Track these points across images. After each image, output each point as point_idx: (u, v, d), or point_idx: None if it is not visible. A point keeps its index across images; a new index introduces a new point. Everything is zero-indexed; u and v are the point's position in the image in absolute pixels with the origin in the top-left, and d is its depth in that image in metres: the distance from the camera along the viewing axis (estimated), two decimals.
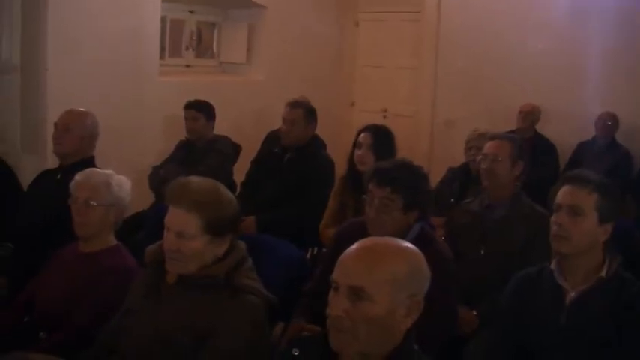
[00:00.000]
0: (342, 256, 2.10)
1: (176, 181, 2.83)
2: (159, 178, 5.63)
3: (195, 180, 2.81)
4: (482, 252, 4.04)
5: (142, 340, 2.73)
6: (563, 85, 7.91)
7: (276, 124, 5.83)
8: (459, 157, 6.01)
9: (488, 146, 4.27)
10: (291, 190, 5.21)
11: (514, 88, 8.09)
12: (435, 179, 6.15)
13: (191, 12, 8.06)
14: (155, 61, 7.10)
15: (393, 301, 2.03)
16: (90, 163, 4.19)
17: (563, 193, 2.96)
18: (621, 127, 7.49)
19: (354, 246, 2.12)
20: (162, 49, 7.56)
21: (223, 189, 2.85)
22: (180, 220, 2.70)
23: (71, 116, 4.41)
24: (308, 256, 5.07)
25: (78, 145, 4.32)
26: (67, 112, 4.46)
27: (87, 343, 2.94)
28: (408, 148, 7.87)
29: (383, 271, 2.04)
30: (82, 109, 4.49)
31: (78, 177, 3.42)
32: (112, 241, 3.41)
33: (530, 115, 7.71)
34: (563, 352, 2.84)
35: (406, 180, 3.36)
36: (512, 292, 3.08)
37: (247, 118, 7.82)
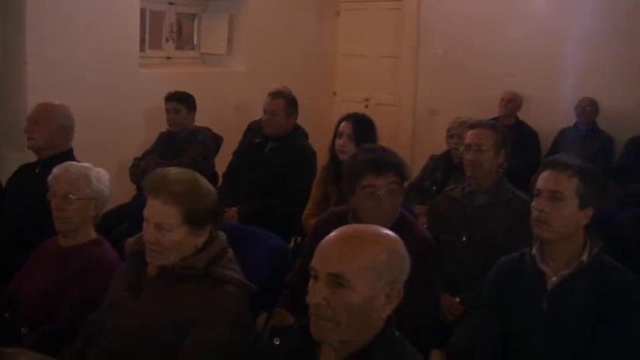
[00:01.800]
0: (320, 244, 2.10)
1: (154, 172, 2.81)
2: (140, 170, 5.61)
3: (173, 171, 2.79)
4: (464, 239, 4.04)
5: (125, 333, 2.72)
6: (544, 73, 7.93)
7: (258, 114, 5.82)
8: (441, 146, 6.01)
9: (471, 135, 4.21)
10: (273, 181, 5.21)
11: (496, 76, 8.10)
12: (417, 167, 6.19)
13: (171, 3, 8.00)
14: (135, 54, 7.05)
15: (373, 288, 2.03)
16: (68, 156, 4.17)
17: (543, 178, 2.96)
18: (603, 113, 7.52)
19: (332, 234, 2.11)
20: (143, 41, 7.50)
21: (202, 180, 2.83)
22: (158, 211, 2.68)
23: (40, 110, 4.39)
24: (291, 245, 5.08)
25: (49, 138, 4.29)
26: (37, 105, 4.44)
27: (70, 339, 2.92)
28: (390, 136, 7.89)
29: (362, 258, 2.03)
30: (54, 101, 4.45)
31: (55, 171, 3.39)
32: (93, 234, 3.38)
33: (512, 103, 7.73)
34: (546, 336, 2.85)
35: (399, 163, 3.36)
36: (494, 278, 3.09)
37: (228, 109, 7.79)
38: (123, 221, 4.95)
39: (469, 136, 4.23)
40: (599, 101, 7.48)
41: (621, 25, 7.46)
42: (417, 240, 3.25)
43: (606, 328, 2.74)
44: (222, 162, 5.88)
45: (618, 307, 2.76)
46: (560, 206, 2.88)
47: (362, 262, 2.02)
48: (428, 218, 4.39)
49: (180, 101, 6.03)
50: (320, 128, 7.34)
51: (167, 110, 6.06)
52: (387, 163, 3.30)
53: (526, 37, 7.98)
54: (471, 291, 3.83)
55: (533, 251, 2.98)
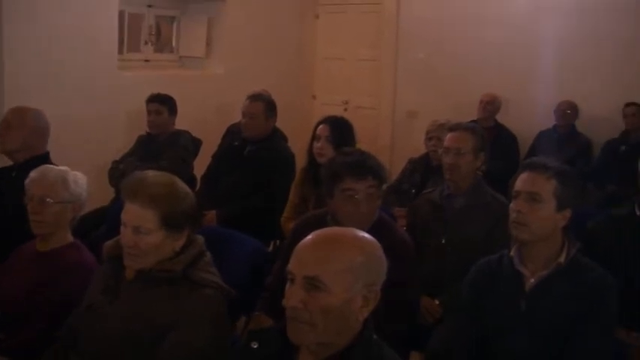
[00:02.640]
0: (297, 247, 2.09)
1: (131, 176, 2.81)
2: (119, 174, 5.58)
3: (150, 174, 2.78)
4: (443, 241, 4.04)
5: (102, 336, 2.70)
6: (522, 76, 7.99)
7: (237, 117, 5.81)
8: (420, 148, 6.01)
9: (450, 138, 4.19)
10: (252, 183, 5.21)
11: (475, 78, 8.15)
12: (396, 170, 6.19)
13: (149, 6, 7.97)
14: (114, 56, 7.02)
15: (350, 291, 2.02)
16: (45, 159, 4.14)
17: (522, 180, 2.97)
18: (581, 115, 7.59)
19: (309, 237, 2.11)
20: (121, 43, 7.47)
21: (179, 183, 2.83)
22: (136, 215, 2.67)
23: (13, 113, 4.38)
24: (270, 248, 5.08)
25: (22, 141, 4.27)
26: (10, 109, 4.43)
27: (48, 343, 2.90)
28: (370, 139, 7.93)
29: (338, 260, 2.02)
30: (28, 105, 4.43)
31: (32, 174, 3.37)
32: (70, 238, 3.36)
33: (491, 105, 7.78)
34: (524, 338, 2.85)
35: (378, 167, 3.37)
36: (472, 280, 3.09)
37: (207, 112, 7.76)
38: (100, 224, 4.92)
39: (448, 139, 4.21)
40: (578, 103, 7.53)
41: (599, 28, 7.52)
42: (395, 242, 3.27)
43: (583, 329, 2.75)
44: (201, 165, 5.86)
45: (595, 308, 2.77)
46: (538, 208, 2.89)
47: (338, 264, 2.02)
48: (407, 220, 4.39)
49: (163, 103, 6.00)
50: (300, 131, 7.33)
51: (148, 112, 6.02)
52: (367, 167, 3.31)
53: (504, 40, 8.04)
54: (450, 293, 3.82)
55: (512, 253, 2.99)
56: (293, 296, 2.02)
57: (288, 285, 2.06)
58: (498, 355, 2.94)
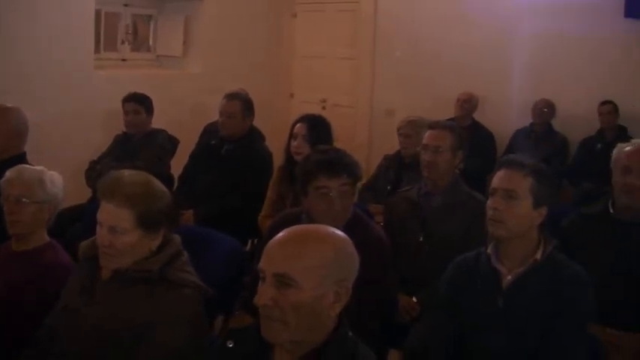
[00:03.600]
0: (267, 245, 2.09)
1: (107, 175, 2.79)
2: (96, 174, 5.55)
3: (126, 174, 2.78)
4: (421, 239, 4.04)
5: (79, 337, 2.69)
6: (499, 74, 8.03)
7: (214, 116, 5.81)
8: (397, 146, 6.03)
9: (429, 136, 4.18)
10: (230, 182, 5.20)
11: (452, 77, 8.18)
12: (374, 168, 6.21)
13: (126, 5, 7.96)
14: (90, 56, 7.01)
15: (320, 287, 2.02)
16: (21, 159, 4.12)
17: (498, 177, 2.99)
18: (558, 114, 7.63)
19: (279, 234, 2.11)
20: (98, 43, 7.46)
21: (156, 182, 2.82)
22: (112, 215, 2.67)
23: None
24: (248, 247, 5.08)
25: (2, 141, 4.24)
26: None
27: (25, 344, 2.88)
28: (348, 137, 7.95)
29: (307, 256, 2.03)
30: (7, 104, 4.41)
31: (8, 174, 3.34)
32: (46, 238, 3.34)
33: (468, 104, 7.81)
34: (501, 334, 2.86)
35: (352, 164, 3.37)
36: (450, 278, 3.10)
37: (185, 111, 7.75)
38: (76, 221, 4.90)
39: (427, 136, 4.20)
40: (555, 102, 7.58)
41: (574, 28, 7.56)
42: (370, 239, 3.29)
43: (559, 326, 2.77)
44: (178, 164, 5.84)
45: (570, 304, 2.79)
46: (514, 205, 2.90)
47: (307, 260, 2.02)
48: (384, 218, 4.39)
49: (141, 103, 5.97)
50: (278, 130, 7.32)
51: (126, 112, 5.99)
52: (340, 165, 3.31)
53: (481, 39, 8.07)
54: (427, 291, 3.83)
55: (489, 250, 3.00)
56: (264, 294, 2.02)
57: (260, 283, 2.06)
58: (476, 352, 2.95)
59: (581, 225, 3.67)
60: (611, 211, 3.59)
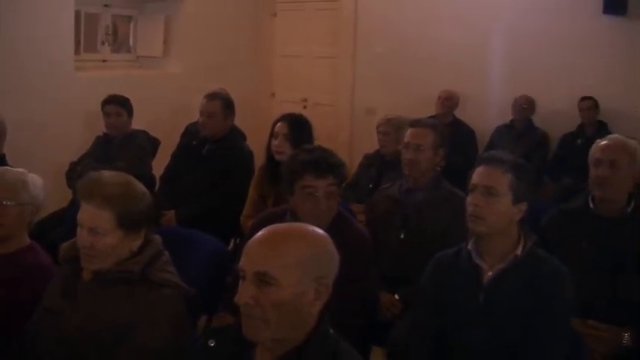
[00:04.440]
0: (247, 244, 2.10)
1: (87, 176, 2.78)
2: (76, 175, 5.53)
3: (106, 175, 2.77)
4: (402, 236, 4.05)
5: (61, 339, 2.68)
6: (479, 71, 8.08)
7: (196, 116, 5.79)
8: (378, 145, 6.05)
9: (410, 134, 4.19)
10: (211, 182, 5.19)
11: (432, 75, 8.22)
12: (355, 167, 6.21)
13: (106, 5, 7.92)
14: (70, 56, 6.97)
15: (300, 285, 2.03)
16: (1, 161, 4.11)
17: (478, 174, 3.00)
18: (538, 110, 7.68)
19: (258, 233, 2.12)
20: (78, 43, 7.43)
21: (136, 182, 2.81)
22: (92, 216, 2.66)
23: None
24: (230, 247, 5.07)
25: None
26: None
27: (6, 347, 2.87)
28: (329, 136, 7.95)
29: (287, 254, 2.03)
30: None
31: None
32: (27, 240, 3.32)
33: (449, 101, 7.85)
34: (483, 330, 2.87)
35: (339, 165, 3.38)
36: (431, 274, 3.11)
37: (166, 111, 7.73)
38: (57, 227, 4.88)
39: (408, 134, 4.21)
40: (535, 98, 7.63)
41: (553, 25, 7.62)
42: (354, 238, 3.30)
43: (540, 321, 2.79)
44: (160, 165, 5.83)
45: (551, 299, 2.80)
46: (494, 201, 2.91)
47: (287, 258, 2.03)
48: (366, 216, 4.40)
49: (122, 105, 5.97)
50: (259, 129, 7.29)
51: (107, 114, 5.98)
52: (328, 165, 3.32)
53: (462, 37, 8.11)
54: (409, 288, 3.84)
55: (469, 246, 3.01)
56: (244, 293, 2.02)
57: (240, 282, 2.06)
58: (458, 348, 2.96)
59: (560, 221, 3.69)
60: (591, 206, 3.61)
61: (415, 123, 4.30)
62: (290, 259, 2.03)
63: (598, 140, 3.71)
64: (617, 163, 3.52)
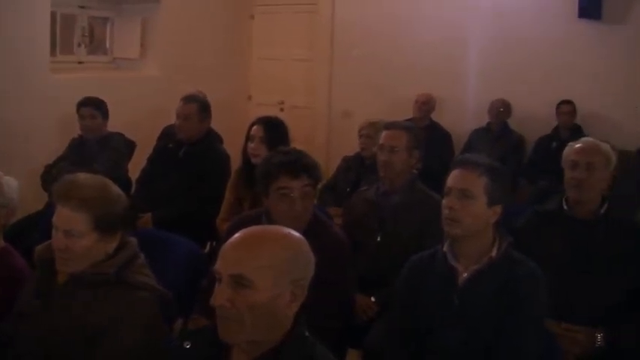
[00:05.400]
0: (223, 246, 2.10)
1: (63, 179, 2.77)
2: (51, 178, 5.51)
3: (81, 177, 2.76)
4: (379, 239, 4.07)
5: (35, 343, 2.67)
6: (456, 75, 8.13)
7: (173, 119, 5.76)
8: (355, 147, 6.05)
9: (385, 136, 4.23)
10: (187, 185, 5.18)
11: (409, 78, 8.25)
12: (332, 169, 6.24)
13: (82, 7, 7.87)
14: (46, 58, 6.91)
15: (276, 287, 2.03)
16: None
17: (453, 177, 3.02)
18: (514, 113, 7.73)
19: (234, 236, 2.12)
20: (53, 45, 7.38)
21: (111, 185, 2.81)
22: (67, 218, 2.65)
23: None
24: (207, 250, 5.06)
25: None
26: None
27: None
28: (306, 139, 7.95)
29: (262, 256, 2.04)
30: None
31: None
32: (1, 243, 3.31)
33: (426, 105, 7.89)
34: (458, 331, 2.89)
35: (313, 166, 3.38)
36: (406, 276, 3.12)
37: (143, 114, 7.68)
38: (32, 231, 4.85)
39: (383, 136, 4.25)
40: (511, 101, 7.67)
41: (530, 28, 7.68)
42: (331, 241, 3.31)
43: (514, 322, 2.81)
44: (136, 168, 5.80)
45: (525, 300, 2.82)
46: (469, 204, 2.93)
47: (263, 260, 2.03)
48: (343, 219, 4.41)
49: (97, 107, 5.93)
50: (235, 132, 7.27)
51: (82, 116, 5.94)
52: (302, 166, 3.32)
53: (439, 40, 8.16)
54: (386, 290, 3.85)
55: (444, 248, 3.03)
56: (220, 295, 2.02)
57: (216, 284, 2.06)
58: (434, 350, 2.97)
59: (535, 223, 3.72)
60: (565, 208, 3.64)
61: (390, 125, 4.34)
62: (265, 262, 2.03)
63: (571, 143, 3.75)
64: (593, 165, 3.56)
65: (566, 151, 3.72)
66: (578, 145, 3.67)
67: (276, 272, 2.04)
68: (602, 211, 3.58)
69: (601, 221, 3.55)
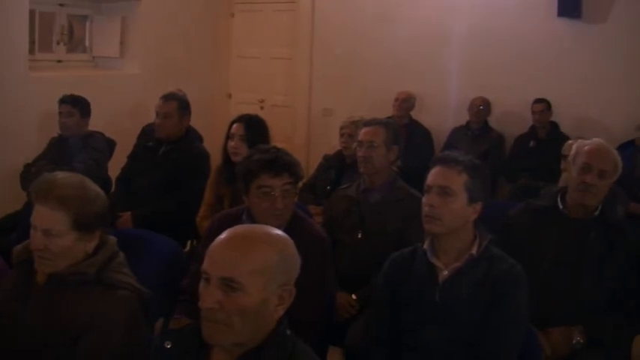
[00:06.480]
0: (211, 247, 2.08)
1: (41, 178, 2.75)
2: (30, 177, 5.47)
3: (60, 176, 2.73)
4: (359, 236, 4.09)
5: (14, 344, 2.65)
6: (437, 73, 8.15)
7: (153, 117, 5.75)
8: (336, 145, 6.07)
9: (364, 133, 4.25)
10: (167, 184, 5.16)
11: (390, 75, 8.27)
12: (312, 168, 6.25)
13: (61, 5, 7.82)
14: (24, 57, 6.86)
15: (266, 291, 2.02)
16: None
17: (433, 174, 3.02)
18: (494, 111, 7.76)
19: (222, 235, 2.09)
20: (32, 43, 7.31)
21: (90, 184, 2.78)
22: (46, 217, 2.63)
23: None
24: (187, 249, 5.05)
25: None
26: None
27: None
28: (286, 137, 7.96)
29: (253, 260, 2.02)
30: None
31: None
32: None
33: (406, 103, 7.89)
34: (438, 328, 2.91)
35: (294, 164, 3.38)
36: (386, 274, 3.13)
37: (123, 112, 7.67)
38: (11, 231, 4.83)
39: (362, 133, 4.28)
40: (491, 100, 7.70)
41: (508, 26, 7.70)
42: (311, 238, 3.30)
43: (493, 318, 2.82)
44: (117, 166, 5.77)
45: (505, 297, 2.84)
46: (449, 201, 2.94)
47: (254, 265, 2.01)
48: (323, 216, 4.42)
49: (74, 105, 5.88)
50: (215, 130, 7.31)
51: (60, 113, 5.89)
52: (283, 164, 3.32)
53: (418, 39, 8.19)
54: (366, 288, 3.86)
55: (425, 246, 3.04)
56: (209, 297, 2.00)
57: (202, 284, 2.04)
58: (415, 347, 2.98)
59: (526, 217, 3.71)
60: (560, 207, 3.64)
61: (368, 122, 4.37)
62: (257, 266, 2.02)
63: (580, 141, 3.72)
64: (605, 173, 3.54)
65: (577, 149, 3.66)
66: (590, 147, 3.59)
67: (266, 276, 2.03)
68: (597, 213, 3.58)
69: (594, 222, 3.55)
